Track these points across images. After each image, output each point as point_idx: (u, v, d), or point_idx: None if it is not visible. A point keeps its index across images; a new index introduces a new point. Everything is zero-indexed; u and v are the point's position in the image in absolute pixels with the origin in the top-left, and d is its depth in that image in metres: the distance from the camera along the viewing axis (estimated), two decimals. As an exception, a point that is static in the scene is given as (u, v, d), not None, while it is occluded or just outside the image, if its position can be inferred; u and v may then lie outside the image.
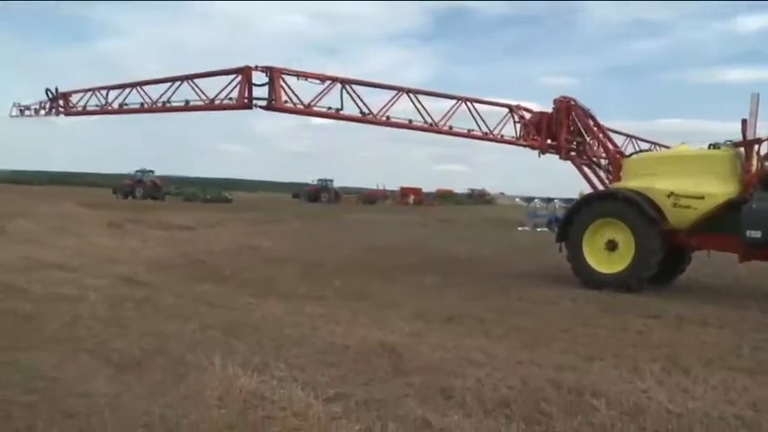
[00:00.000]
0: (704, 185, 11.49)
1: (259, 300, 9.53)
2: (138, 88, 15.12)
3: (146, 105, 15.03)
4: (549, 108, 15.41)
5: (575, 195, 16.16)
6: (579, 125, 15.19)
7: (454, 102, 14.67)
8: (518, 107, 15.36)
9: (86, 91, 16.67)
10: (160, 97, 14.63)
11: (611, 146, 15.10)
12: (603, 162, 15.20)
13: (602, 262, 12.23)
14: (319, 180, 68.34)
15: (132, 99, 15.23)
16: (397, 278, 12.59)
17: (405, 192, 72.48)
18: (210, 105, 13.96)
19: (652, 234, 11.69)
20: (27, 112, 18.06)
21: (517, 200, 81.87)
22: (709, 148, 12.20)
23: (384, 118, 14.14)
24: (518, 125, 15.25)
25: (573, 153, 15.40)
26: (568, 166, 15.39)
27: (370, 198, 70.67)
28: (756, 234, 10.85)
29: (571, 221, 12.97)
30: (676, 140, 13.70)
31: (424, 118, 14.39)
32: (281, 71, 13.07)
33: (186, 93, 14.27)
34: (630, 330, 8.27)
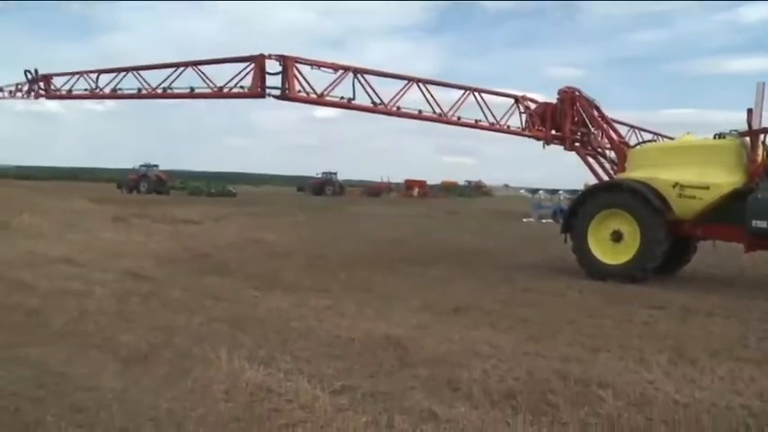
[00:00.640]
0: (709, 175, 11.44)
1: (264, 293, 9.54)
2: (136, 73, 14.67)
3: (144, 91, 14.60)
4: (553, 99, 15.37)
5: (580, 186, 16.14)
6: (584, 116, 15.14)
7: (462, 92, 14.71)
8: (524, 98, 15.36)
9: (73, 74, 16.00)
10: (161, 83, 14.36)
11: (615, 136, 15.04)
12: (608, 153, 15.16)
13: (607, 253, 12.21)
14: (324, 173, 68.16)
15: (129, 85, 14.80)
16: (402, 270, 12.59)
17: (409, 184, 72.36)
18: (220, 93, 13.79)
19: (657, 225, 11.65)
20: (0, 94, 17.22)
21: (522, 191, 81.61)
22: (714, 137, 12.14)
23: (395, 108, 14.15)
24: (523, 116, 15.24)
25: (577, 144, 15.37)
26: (573, 157, 15.38)
27: (374, 191, 70.51)
28: (762, 224, 10.79)
29: (576, 213, 12.93)
30: (680, 131, 13.65)
31: (432, 108, 14.42)
32: (295, 60, 13.07)
33: (190, 81, 14.13)
34: (636, 321, 8.26)
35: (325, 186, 65.33)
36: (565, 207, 23.26)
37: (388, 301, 9.19)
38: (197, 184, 59.48)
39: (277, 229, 21.16)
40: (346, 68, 13.51)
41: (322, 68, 13.42)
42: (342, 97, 13.67)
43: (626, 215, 12.03)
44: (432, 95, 14.36)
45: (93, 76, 15.46)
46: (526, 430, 4.43)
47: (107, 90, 15.21)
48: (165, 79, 14.25)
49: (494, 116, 14.92)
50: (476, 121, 15.01)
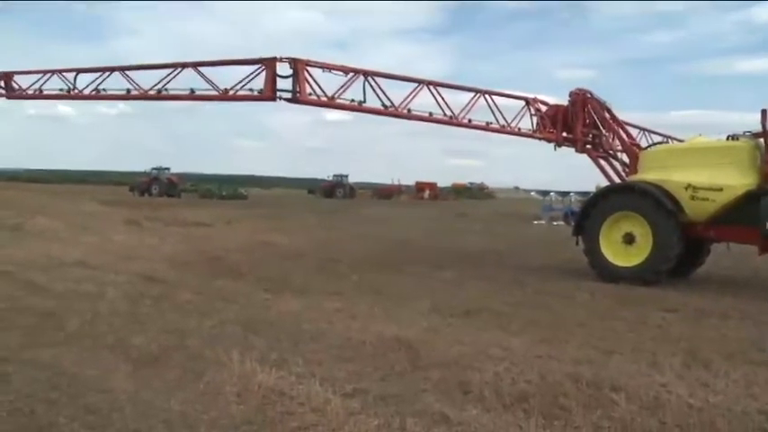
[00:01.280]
0: (723, 177, 11.35)
1: (276, 295, 9.56)
2: (123, 73, 14.22)
3: (133, 92, 14.15)
4: (565, 101, 15.33)
5: (591, 189, 16.05)
6: (595, 118, 15.10)
7: (473, 95, 14.70)
8: (534, 100, 15.33)
9: (41, 72, 15.24)
10: (155, 85, 14.02)
11: (627, 138, 14.97)
12: (620, 155, 15.09)
13: (619, 255, 12.15)
14: (334, 175, 68.29)
15: (116, 85, 14.30)
16: (413, 273, 12.58)
17: (420, 186, 72.41)
18: (226, 96, 13.70)
19: (670, 227, 11.58)
20: None
21: (533, 193, 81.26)
22: (727, 139, 12.05)
23: (405, 111, 14.15)
24: (534, 118, 15.21)
25: (589, 146, 15.33)
26: (585, 159, 15.32)
27: (385, 193, 70.57)
28: (776, 226, 10.70)
29: (588, 215, 12.88)
30: (691, 132, 13.60)
31: (443, 111, 14.42)
32: (307, 63, 13.11)
33: (193, 83, 13.90)
34: (649, 324, 8.21)
35: (335, 189, 65.39)
36: (576, 209, 23.17)
37: (399, 304, 9.18)
38: (208, 186, 59.66)
39: (288, 231, 21.22)
40: (357, 71, 13.55)
41: (333, 71, 13.45)
42: (352, 100, 13.71)
43: (638, 217, 11.97)
44: (442, 98, 14.40)
45: (70, 75, 14.85)
46: (538, 434, 4.41)
47: (87, 91, 14.60)
48: (161, 80, 14.00)
49: (504, 118, 14.91)
50: (486, 123, 15.00)
